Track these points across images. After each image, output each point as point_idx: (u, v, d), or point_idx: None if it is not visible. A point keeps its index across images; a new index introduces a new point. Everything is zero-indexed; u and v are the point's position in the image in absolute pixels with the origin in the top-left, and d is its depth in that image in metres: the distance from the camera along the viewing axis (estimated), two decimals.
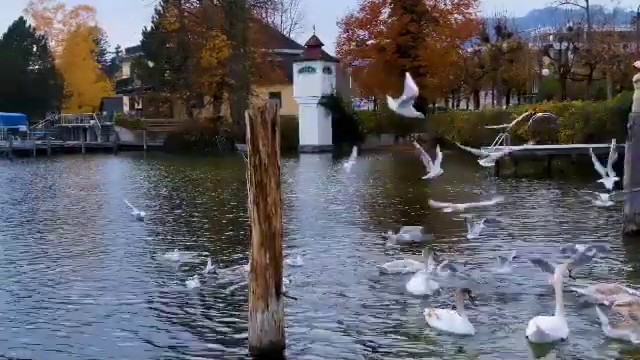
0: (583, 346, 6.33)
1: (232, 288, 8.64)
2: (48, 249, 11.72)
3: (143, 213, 14.89)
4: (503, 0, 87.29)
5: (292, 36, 76.53)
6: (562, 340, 6.40)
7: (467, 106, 61.41)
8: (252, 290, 6.05)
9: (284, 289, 7.51)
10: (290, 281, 8.46)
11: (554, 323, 6.50)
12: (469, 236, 9.99)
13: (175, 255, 10.31)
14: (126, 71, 77.43)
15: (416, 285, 8.25)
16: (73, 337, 6.87)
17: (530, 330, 6.42)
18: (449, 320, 6.70)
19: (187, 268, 9.77)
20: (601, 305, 7.02)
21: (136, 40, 70.42)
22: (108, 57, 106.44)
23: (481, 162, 10.94)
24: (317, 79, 51.63)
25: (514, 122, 9.91)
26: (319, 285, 8.82)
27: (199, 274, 9.14)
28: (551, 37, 49.81)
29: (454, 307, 6.92)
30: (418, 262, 9.50)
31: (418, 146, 9.98)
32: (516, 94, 59.44)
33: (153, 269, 10.00)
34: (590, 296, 7.51)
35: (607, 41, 43.93)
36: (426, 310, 7.07)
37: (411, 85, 6.91)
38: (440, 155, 9.65)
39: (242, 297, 7.99)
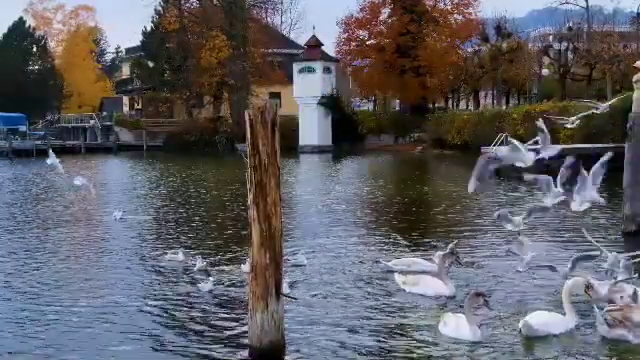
0: (581, 347, 6.36)
1: (231, 288, 8.65)
2: (49, 249, 11.71)
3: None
4: (503, 0, 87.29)
5: (292, 36, 76.54)
6: (554, 336, 6.47)
7: (467, 106, 61.40)
8: (252, 290, 6.05)
9: (288, 291, 7.55)
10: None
11: (545, 318, 6.61)
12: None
13: (179, 255, 10.32)
14: (126, 71, 77.44)
15: (438, 287, 8.17)
16: (72, 338, 6.87)
17: (520, 324, 6.57)
18: (455, 326, 6.57)
19: (189, 269, 9.78)
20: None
21: (136, 40, 70.40)
22: (108, 57, 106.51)
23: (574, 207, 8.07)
24: (317, 79, 51.63)
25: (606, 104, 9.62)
26: (320, 284, 8.82)
27: (190, 273, 9.24)
28: (551, 37, 49.80)
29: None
30: (425, 262, 9.52)
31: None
32: (516, 94, 59.45)
33: (155, 269, 9.99)
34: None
35: (607, 41, 43.93)
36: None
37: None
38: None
39: (242, 297, 8.00)
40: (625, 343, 6.31)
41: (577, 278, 7.11)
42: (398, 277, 8.58)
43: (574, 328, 6.67)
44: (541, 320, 6.57)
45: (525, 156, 7.18)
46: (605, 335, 6.41)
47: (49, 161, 13.42)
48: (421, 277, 8.45)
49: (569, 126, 10.07)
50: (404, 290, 8.31)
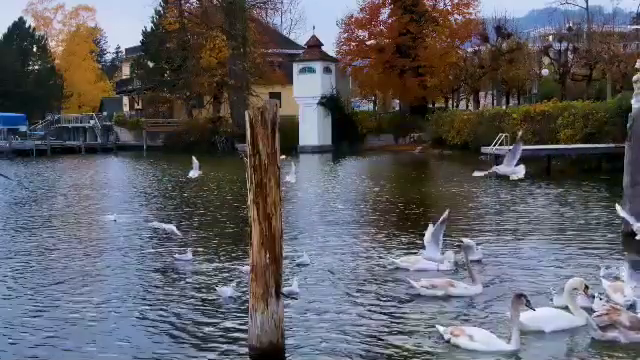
0: (578, 347, 6.43)
1: (232, 288, 8.64)
2: (51, 250, 11.68)
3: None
4: (503, 0, 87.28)
5: (292, 36, 76.58)
6: (544, 332, 6.61)
7: (467, 106, 61.31)
8: (252, 290, 6.05)
9: (297, 290, 7.55)
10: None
11: (538, 314, 6.66)
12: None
13: (188, 255, 10.33)
14: (126, 71, 77.43)
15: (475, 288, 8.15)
16: (73, 337, 6.87)
17: None
18: (485, 339, 6.32)
19: (196, 269, 9.78)
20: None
21: (136, 40, 70.52)
22: (108, 57, 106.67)
23: None
24: (317, 79, 51.64)
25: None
26: (319, 284, 8.82)
27: (194, 274, 9.32)
28: (551, 37, 49.74)
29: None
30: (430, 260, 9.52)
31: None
32: (516, 94, 59.39)
33: (158, 269, 10.00)
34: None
35: (607, 41, 43.89)
36: (443, 329, 6.61)
37: None
38: None
39: (242, 297, 8.00)
40: (617, 344, 6.39)
41: (577, 278, 7.15)
42: (416, 282, 8.27)
43: (582, 326, 6.69)
44: (532, 315, 6.61)
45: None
46: (598, 338, 6.48)
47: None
48: (455, 280, 8.36)
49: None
50: (431, 295, 8.08)
